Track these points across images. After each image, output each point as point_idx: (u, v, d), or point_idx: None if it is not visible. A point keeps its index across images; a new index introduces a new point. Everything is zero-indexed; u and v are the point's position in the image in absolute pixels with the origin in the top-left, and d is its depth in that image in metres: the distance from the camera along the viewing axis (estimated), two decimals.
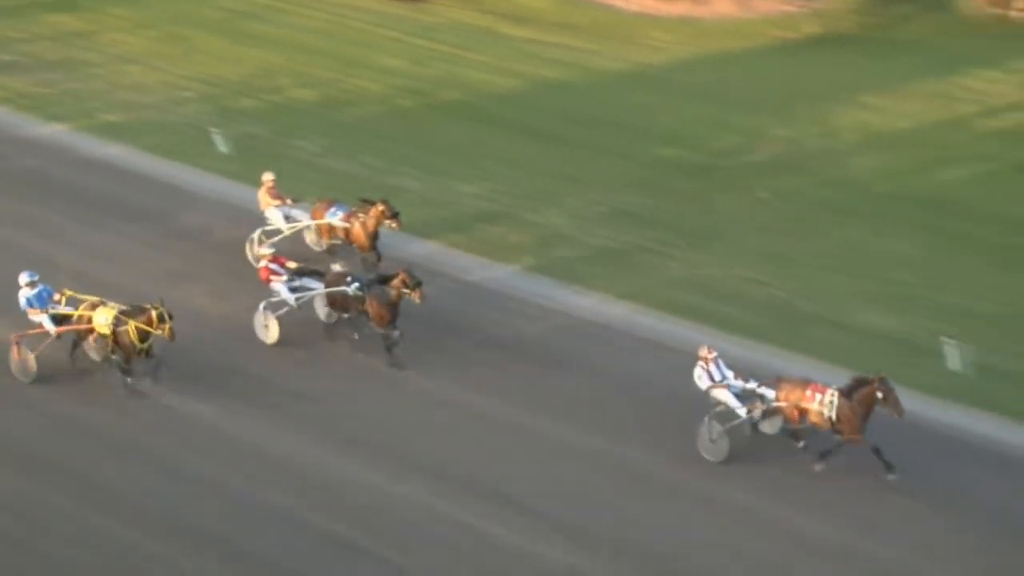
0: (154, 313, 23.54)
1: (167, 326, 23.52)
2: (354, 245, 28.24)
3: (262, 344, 26.05)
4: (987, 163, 34.94)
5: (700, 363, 23.06)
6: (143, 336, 23.62)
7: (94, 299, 24.35)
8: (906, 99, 38.90)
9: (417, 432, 23.73)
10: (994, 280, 29.18)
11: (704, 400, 22.96)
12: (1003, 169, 34.48)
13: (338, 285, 25.45)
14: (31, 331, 24.64)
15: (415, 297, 24.88)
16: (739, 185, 34.04)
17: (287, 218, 28.90)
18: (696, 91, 40.19)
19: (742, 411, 22.63)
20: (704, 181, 34.29)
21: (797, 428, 22.46)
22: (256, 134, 36.81)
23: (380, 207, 27.64)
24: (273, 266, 26.00)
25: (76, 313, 24.30)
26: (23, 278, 24.54)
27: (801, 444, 22.38)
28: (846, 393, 21.94)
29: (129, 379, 24.23)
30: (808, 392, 22.19)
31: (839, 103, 38.84)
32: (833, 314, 27.83)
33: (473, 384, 25.17)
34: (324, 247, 29.07)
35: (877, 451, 21.75)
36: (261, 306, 25.95)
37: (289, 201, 29.05)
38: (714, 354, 23.12)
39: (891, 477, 21.86)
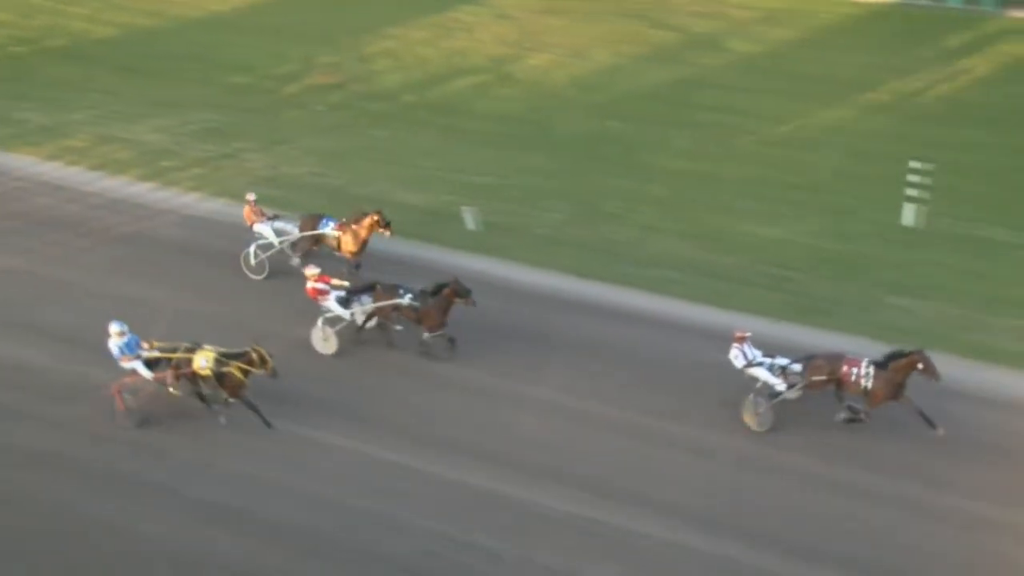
0: (255, 354, 19.58)
1: (269, 364, 19.58)
2: (342, 252, 24.16)
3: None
4: (476, 76, 35.69)
5: (735, 344, 20.17)
6: (245, 374, 19.68)
7: (188, 343, 20.03)
8: (417, 30, 39.30)
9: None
10: (489, 159, 30.06)
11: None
12: (487, 80, 35.35)
13: (391, 298, 21.83)
14: (129, 378, 20.12)
15: (466, 304, 21.54)
16: (299, 101, 34.10)
17: (277, 232, 24.68)
18: (260, 30, 39.59)
19: (782, 386, 19.84)
20: (272, 100, 34.18)
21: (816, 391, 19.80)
22: None
23: (375, 217, 23.89)
24: (320, 285, 22.10)
25: (173, 357, 19.94)
26: (113, 327, 19.92)
27: (843, 416, 19.79)
28: (881, 365, 19.37)
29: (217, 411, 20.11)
30: (844, 367, 19.44)
31: (370, 34, 38.92)
32: (378, 194, 28.05)
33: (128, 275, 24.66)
34: (300, 256, 24.56)
35: (921, 412, 19.35)
36: (319, 321, 22.03)
37: (270, 216, 24.88)
38: (748, 335, 20.27)
39: (940, 432, 19.34)
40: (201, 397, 20.17)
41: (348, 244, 23.99)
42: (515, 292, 23.94)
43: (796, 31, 38.43)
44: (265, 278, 24.47)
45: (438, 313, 21.63)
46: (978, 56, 35.46)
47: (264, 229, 24.71)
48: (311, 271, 22.22)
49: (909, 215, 26.09)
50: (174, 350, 20.04)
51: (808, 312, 23.10)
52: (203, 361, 19.72)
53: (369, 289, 22.19)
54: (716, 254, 25.34)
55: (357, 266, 24.11)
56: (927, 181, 25.84)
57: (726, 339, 20.45)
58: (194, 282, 24.37)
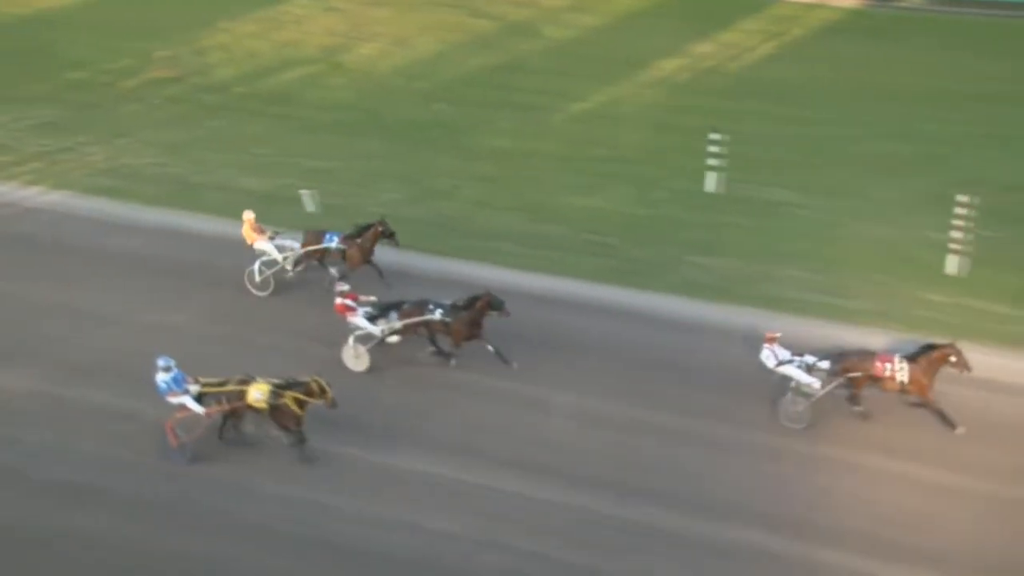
0: (314, 384, 18.24)
1: (329, 394, 18.27)
2: (349, 264, 23.11)
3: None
4: (307, 67, 35.54)
5: (766, 345, 19.67)
6: (300, 405, 18.30)
7: (239, 376, 18.62)
8: (249, 24, 38.83)
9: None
10: (324, 145, 29.82)
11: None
12: (318, 71, 35.21)
13: (421, 314, 20.71)
14: (181, 414, 18.60)
15: (501, 315, 20.61)
16: (137, 95, 33.40)
17: (279, 248, 23.37)
18: (92, 26, 38.43)
19: (816, 384, 19.26)
20: (110, 94, 33.36)
21: (858, 393, 19.31)
22: None
23: (378, 228, 23.04)
24: (348, 302, 20.91)
25: (224, 391, 18.54)
26: (159, 363, 18.45)
27: (859, 409, 19.37)
28: (913, 359, 19.05)
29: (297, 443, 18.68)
30: (877, 363, 19.05)
31: (203, 29, 38.27)
32: (217, 182, 28.04)
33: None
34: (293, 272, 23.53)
35: (941, 411, 19.10)
36: (351, 340, 20.82)
37: (270, 233, 23.49)
38: (778, 335, 19.74)
39: (959, 431, 19.06)
40: (281, 430, 18.72)
41: (354, 256, 23.05)
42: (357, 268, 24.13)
43: (602, 17, 39.56)
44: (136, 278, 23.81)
45: (470, 326, 20.66)
46: (761, 37, 37.28)
47: (266, 246, 23.39)
48: (342, 287, 21.11)
49: (711, 182, 27.38)
50: (224, 384, 18.67)
51: (625, 274, 24.07)
52: (258, 394, 18.35)
53: (395, 306, 21.08)
54: (541, 224, 26.03)
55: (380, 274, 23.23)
56: (724, 151, 27.15)
57: (553, 302, 21.23)
58: (52, 274, 24.04)
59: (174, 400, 18.65)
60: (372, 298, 21.40)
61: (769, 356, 19.70)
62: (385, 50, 36.91)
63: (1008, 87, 32.16)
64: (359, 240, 23.10)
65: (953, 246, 23.60)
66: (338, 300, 21.02)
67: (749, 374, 20.22)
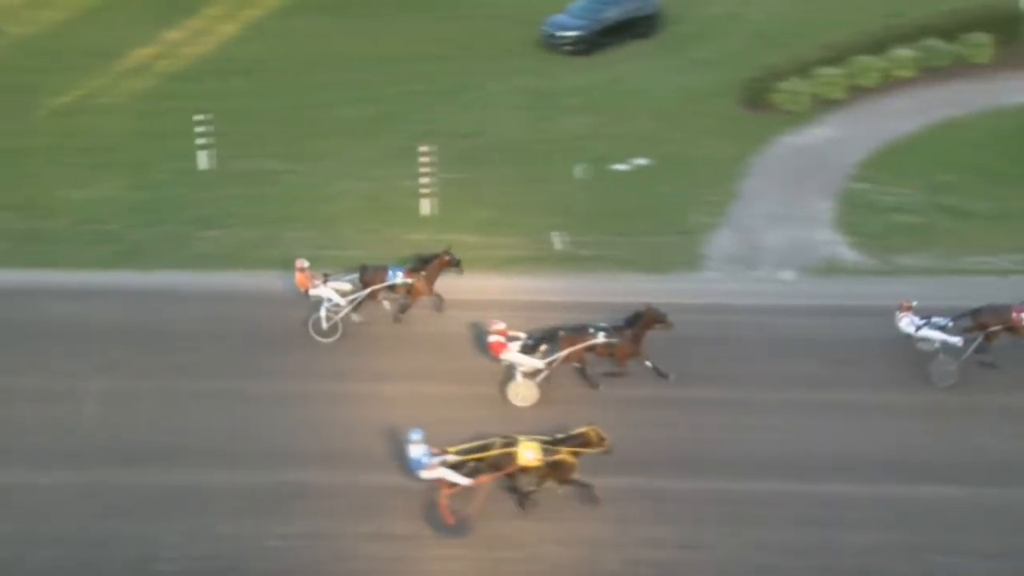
0: (593, 434, 16.31)
1: (607, 442, 16.33)
2: (413, 296, 20.61)
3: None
4: None
5: (902, 312, 18.88)
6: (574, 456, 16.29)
7: (501, 438, 16.32)
8: None
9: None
10: None
11: None
12: None
13: (584, 340, 18.49)
14: (448, 490, 16.03)
15: (665, 328, 18.70)
16: None
17: (340, 292, 20.23)
18: None
19: (959, 343, 18.60)
20: None
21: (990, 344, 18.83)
22: None
23: (445, 257, 20.56)
24: (502, 339, 18.38)
25: (490, 455, 16.17)
26: (412, 436, 16.13)
27: (988, 359, 18.89)
28: None
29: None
30: (1014, 314, 18.55)
31: None
32: None
33: None
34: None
35: None
36: (518, 376, 18.55)
37: (322, 278, 20.24)
38: (914, 304, 18.90)
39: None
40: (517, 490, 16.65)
41: (421, 288, 20.64)
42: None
43: (63, 11, 36.49)
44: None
45: (634, 343, 18.80)
46: (225, 20, 36.25)
47: (325, 292, 20.33)
48: (496, 325, 18.65)
49: (203, 160, 26.47)
50: (486, 448, 16.32)
51: (131, 256, 22.86)
52: (529, 453, 16.22)
53: (552, 336, 18.81)
54: (34, 221, 23.97)
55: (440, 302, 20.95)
56: (211, 129, 26.28)
57: (48, 293, 20.29)
58: None
59: (429, 475, 16.29)
60: (521, 334, 18.94)
61: (909, 324, 19.17)
62: None
63: (445, 48, 33.85)
64: (424, 272, 20.74)
65: (423, 191, 24.67)
66: (492, 338, 18.74)
67: (277, 331, 20.33)
